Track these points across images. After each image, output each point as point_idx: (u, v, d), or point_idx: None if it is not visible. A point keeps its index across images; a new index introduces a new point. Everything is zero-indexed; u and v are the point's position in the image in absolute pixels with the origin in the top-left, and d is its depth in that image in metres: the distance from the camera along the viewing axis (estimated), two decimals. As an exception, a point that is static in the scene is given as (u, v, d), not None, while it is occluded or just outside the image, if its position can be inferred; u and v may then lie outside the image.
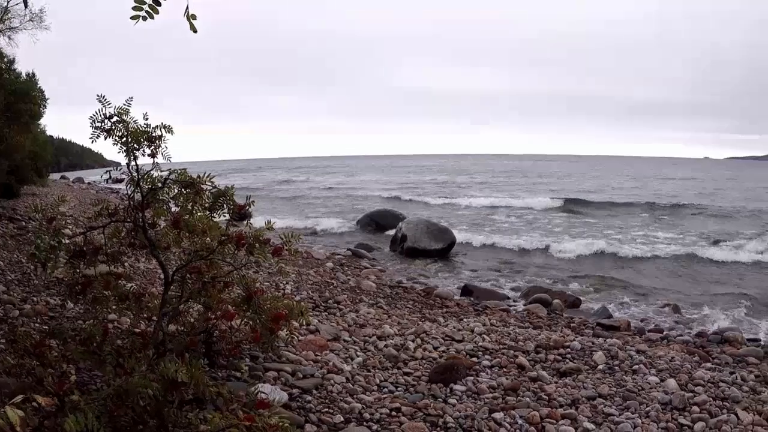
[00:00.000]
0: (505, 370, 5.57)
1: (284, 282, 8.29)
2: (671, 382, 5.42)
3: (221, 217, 3.68)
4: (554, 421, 4.46)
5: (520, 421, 4.41)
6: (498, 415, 4.44)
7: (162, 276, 3.76)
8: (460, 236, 15.78)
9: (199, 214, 3.62)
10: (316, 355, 5.10)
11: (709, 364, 6.28)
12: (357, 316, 6.87)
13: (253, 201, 3.70)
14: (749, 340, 7.86)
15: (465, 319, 7.59)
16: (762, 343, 7.77)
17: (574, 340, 6.60)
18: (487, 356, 5.89)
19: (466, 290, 10.15)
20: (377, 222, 18.09)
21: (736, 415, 4.77)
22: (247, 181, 44.92)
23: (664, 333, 8.04)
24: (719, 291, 11.21)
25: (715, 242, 16.41)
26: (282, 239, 3.55)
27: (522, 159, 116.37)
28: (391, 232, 15.77)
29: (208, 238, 3.61)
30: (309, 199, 29.32)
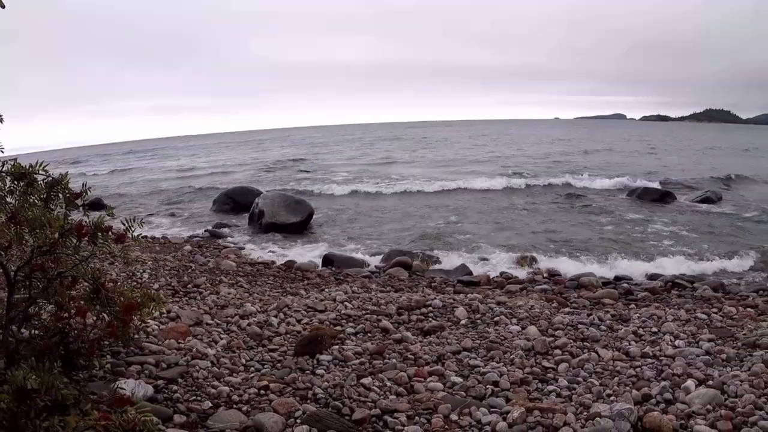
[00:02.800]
0: (369, 335, 5.74)
1: (141, 270, 8.00)
2: (532, 329, 5.82)
3: (60, 208, 3.49)
4: (422, 379, 4.65)
5: (388, 384, 4.57)
6: (366, 380, 4.58)
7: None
8: (318, 207, 15.85)
9: (34, 208, 3.42)
10: (179, 343, 4.99)
11: (567, 309, 6.81)
12: (218, 298, 6.78)
13: (90, 188, 3.54)
14: (604, 283, 8.60)
15: (327, 289, 7.71)
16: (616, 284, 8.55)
17: (435, 298, 6.90)
18: (350, 323, 6.04)
19: (327, 260, 10.29)
20: (234, 200, 17.64)
21: (597, 353, 5.23)
22: (97, 168, 41.33)
23: (523, 284, 8.59)
24: (576, 238, 12.37)
25: (569, 196, 17.81)
26: (125, 225, 3.43)
27: (390, 127, 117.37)
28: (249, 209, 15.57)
29: (48, 232, 3.42)
30: (162, 183, 27.82)
